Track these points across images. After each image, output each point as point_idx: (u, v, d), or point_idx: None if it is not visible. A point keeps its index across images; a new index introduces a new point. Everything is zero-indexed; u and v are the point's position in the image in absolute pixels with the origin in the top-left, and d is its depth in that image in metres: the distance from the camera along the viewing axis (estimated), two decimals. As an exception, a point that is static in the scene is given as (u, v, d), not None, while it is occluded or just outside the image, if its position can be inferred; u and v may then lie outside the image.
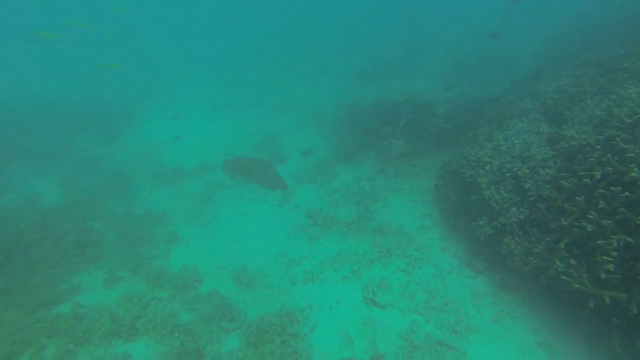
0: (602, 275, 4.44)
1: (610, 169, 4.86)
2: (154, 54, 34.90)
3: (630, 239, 4.42)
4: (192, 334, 5.92)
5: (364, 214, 8.86)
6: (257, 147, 13.91)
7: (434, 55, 20.75)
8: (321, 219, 8.76)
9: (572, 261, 4.81)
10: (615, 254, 4.45)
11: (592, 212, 4.74)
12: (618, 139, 5.10)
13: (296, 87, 20.90)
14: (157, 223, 9.38)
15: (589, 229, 4.65)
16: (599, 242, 4.56)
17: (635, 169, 4.59)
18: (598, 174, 4.93)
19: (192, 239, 8.68)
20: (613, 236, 4.53)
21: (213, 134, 16.03)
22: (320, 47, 27.23)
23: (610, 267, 4.41)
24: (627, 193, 4.54)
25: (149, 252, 8.05)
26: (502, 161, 6.49)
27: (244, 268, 7.44)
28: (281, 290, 6.93)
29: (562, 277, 4.81)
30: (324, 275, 7.12)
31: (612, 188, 4.67)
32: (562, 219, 5.10)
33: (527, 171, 6.18)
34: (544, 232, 5.54)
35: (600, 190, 4.80)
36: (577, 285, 4.64)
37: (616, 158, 4.92)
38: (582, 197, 4.98)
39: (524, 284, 5.97)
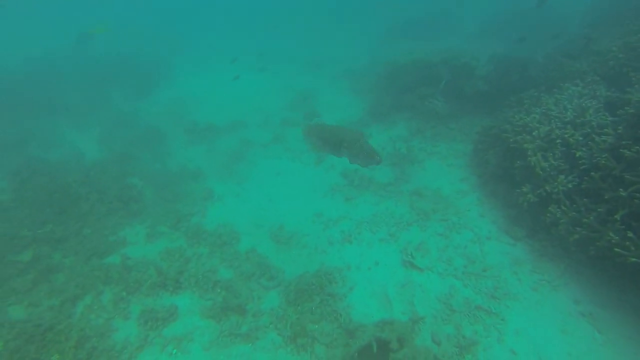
0: (659, 249, 4.36)
1: (680, 138, 4.60)
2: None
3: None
4: (233, 290, 6.25)
5: (401, 175, 8.84)
6: (291, 104, 13.79)
7: (468, 14, 19.48)
8: (357, 179, 8.81)
9: (630, 234, 4.71)
10: (675, 227, 4.33)
11: (654, 184, 4.57)
12: (691, 105, 4.78)
13: (328, 44, 20.33)
14: (193, 180, 9.66)
15: (651, 202, 4.50)
16: (659, 215, 4.43)
17: None
18: (665, 144, 4.68)
19: (227, 196, 8.95)
20: (675, 210, 4.38)
21: (244, 89, 15.93)
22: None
23: (669, 241, 4.31)
24: (696, 165, 4.33)
25: (187, 209, 8.37)
26: (551, 127, 6.22)
27: (281, 227, 7.67)
28: (318, 250, 7.16)
29: (616, 249, 4.74)
30: (361, 236, 7.28)
31: (680, 159, 4.45)
32: (621, 189, 4.93)
33: (580, 138, 5.92)
34: (595, 203, 5.40)
35: (666, 162, 4.58)
36: (634, 259, 4.57)
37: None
38: (644, 167, 4.78)
39: (566, 254, 5.94)
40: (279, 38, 22.76)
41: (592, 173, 5.40)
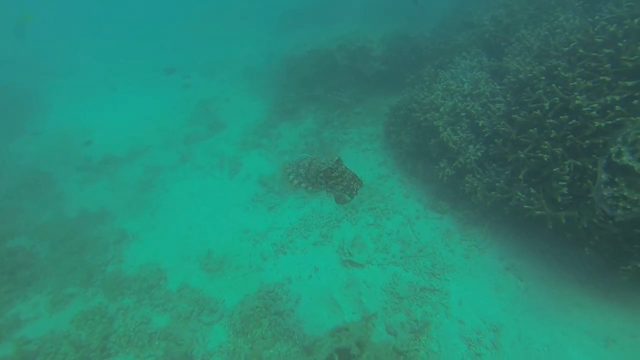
0: (559, 199, 5.10)
1: (557, 98, 5.39)
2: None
3: (578, 162, 5.07)
4: (173, 337, 5.75)
5: (320, 172, 8.93)
6: (192, 117, 13.00)
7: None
8: (276, 185, 8.68)
9: (532, 190, 5.42)
10: (567, 178, 5.09)
11: (545, 142, 5.30)
12: (559, 68, 5.62)
13: (220, 44, 19.52)
14: (98, 222, 8.56)
15: (545, 159, 5.22)
16: (554, 169, 5.16)
17: (579, 96, 5.15)
18: (547, 105, 5.45)
19: (143, 232, 8.15)
20: (565, 162, 5.15)
21: (139, 108, 14.48)
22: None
23: (565, 190, 5.07)
24: (574, 120, 5.13)
25: (98, 258, 7.43)
26: (454, 102, 6.84)
27: (209, 253, 7.24)
28: (254, 269, 6.93)
29: (525, 206, 5.43)
30: (294, 244, 7.22)
31: (561, 117, 5.22)
32: (519, 151, 5.64)
33: (480, 108, 6.63)
34: (501, 166, 6.12)
35: (550, 120, 5.34)
36: (538, 212, 5.28)
37: (560, 87, 5.46)
38: (535, 128, 5.51)
39: (486, 217, 6.65)
40: (167, 46, 21.20)
41: (495, 140, 6.09)
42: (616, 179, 4.17)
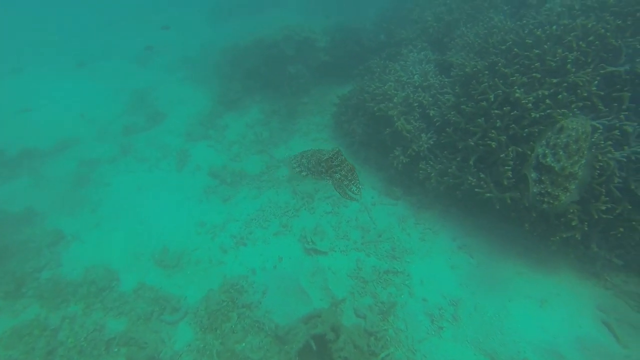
0: (505, 182, 5.85)
1: (500, 91, 6.13)
2: None
3: (519, 149, 5.85)
4: (135, 341, 5.50)
5: (271, 162, 9.02)
6: (128, 107, 12.05)
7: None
8: (228, 176, 8.58)
9: (482, 175, 6.13)
10: (511, 163, 5.86)
11: (492, 130, 6.02)
12: (500, 64, 6.39)
13: (152, 32, 18.11)
14: (25, 224, 7.67)
15: (494, 146, 5.94)
16: (501, 155, 5.90)
17: (517, 90, 5.92)
18: (492, 97, 6.17)
19: (84, 231, 7.52)
20: (509, 149, 5.92)
21: (66, 97, 12.93)
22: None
23: (510, 174, 5.83)
24: (515, 111, 5.89)
25: (28, 265, 6.70)
26: (407, 92, 7.36)
27: (165, 249, 6.98)
28: (214, 263, 6.85)
29: (476, 189, 6.12)
30: (254, 235, 7.26)
31: (504, 108, 5.96)
32: (469, 139, 6.32)
33: (430, 99, 7.23)
34: (452, 153, 6.78)
35: (496, 111, 6.07)
36: (488, 194, 6.00)
37: (501, 81, 6.22)
38: (482, 118, 6.22)
39: (437, 201, 7.32)
40: (91, 30, 19.15)
41: (447, 129, 6.73)
42: (543, 178, 4.93)
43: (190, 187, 8.53)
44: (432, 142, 7.05)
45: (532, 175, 5.00)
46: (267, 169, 8.77)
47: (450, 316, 5.66)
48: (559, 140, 4.80)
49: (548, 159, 4.79)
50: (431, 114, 7.09)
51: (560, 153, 4.71)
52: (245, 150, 9.40)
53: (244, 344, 5.55)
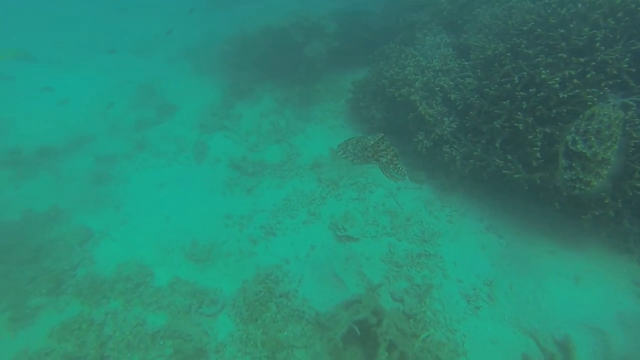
0: (534, 163, 6.00)
1: (525, 73, 6.23)
2: None
3: (547, 129, 5.99)
4: (179, 334, 5.66)
5: (291, 150, 9.11)
6: (137, 101, 11.99)
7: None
8: (250, 167, 8.67)
9: (509, 157, 6.28)
10: (539, 144, 6.00)
11: (519, 113, 6.14)
12: (522, 46, 6.46)
13: (147, 22, 17.90)
14: (53, 223, 7.71)
15: (521, 128, 6.07)
16: (528, 137, 6.03)
17: (543, 71, 6.02)
18: (516, 79, 6.27)
19: (112, 228, 7.62)
20: (536, 130, 6.05)
21: (75, 92, 12.80)
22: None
23: (538, 155, 5.98)
24: (542, 92, 6.00)
25: (64, 263, 6.81)
26: (428, 77, 7.43)
27: (194, 243, 7.12)
28: (245, 254, 7.00)
29: (504, 171, 6.28)
30: (283, 225, 7.39)
31: (530, 90, 6.08)
32: (494, 121, 6.44)
33: (451, 83, 7.32)
34: (476, 136, 6.91)
35: (521, 93, 6.18)
36: (517, 175, 6.16)
37: (525, 63, 6.31)
38: (507, 100, 6.33)
39: (461, 183, 7.48)
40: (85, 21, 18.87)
41: (470, 112, 6.84)
42: (573, 164, 5.07)
43: (212, 179, 8.62)
44: (454, 126, 7.17)
45: (562, 162, 5.16)
46: (288, 157, 8.86)
47: (485, 296, 5.88)
48: (590, 127, 4.92)
49: (579, 145, 4.92)
50: (452, 98, 7.19)
51: (592, 139, 4.84)
52: (263, 140, 9.45)
53: (286, 333, 5.74)
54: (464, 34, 8.10)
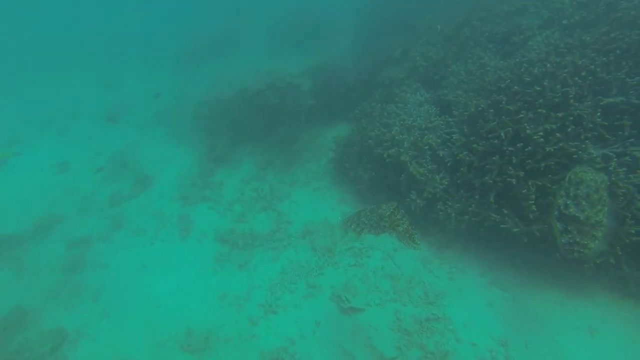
0: (531, 216, 6.29)
1: (510, 128, 6.67)
2: None
3: (539, 182, 6.36)
4: None
5: (279, 218, 9.10)
6: (108, 173, 11.69)
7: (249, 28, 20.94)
8: (239, 239, 8.56)
9: (505, 211, 6.56)
10: (533, 197, 6.33)
11: (509, 167, 6.50)
12: (503, 102, 6.98)
13: (117, 86, 17.94)
14: (16, 329, 7.13)
15: (514, 182, 6.40)
16: (522, 190, 6.37)
17: (527, 126, 6.48)
18: (502, 134, 6.70)
19: (90, 325, 7.14)
20: (528, 183, 6.40)
21: (39, 170, 12.35)
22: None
23: (534, 207, 6.29)
24: (529, 147, 6.42)
25: None
26: (415, 136, 7.80)
27: (189, 331, 6.80)
28: (245, 337, 6.77)
29: (501, 225, 6.52)
30: (283, 301, 7.24)
31: (518, 145, 6.49)
32: (486, 177, 6.77)
33: (438, 140, 7.70)
34: (467, 191, 7.21)
35: (509, 148, 6.58)
36: (515, 229, 6.41)
37: (508, 118, 6.78)
38: (497, 156, 6.71)
39: (456, 239, 7.66)
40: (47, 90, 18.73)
41: (462, 168, 7.17)
42: (569, 228, 5.42)
43: (200, 256, 8.41)
44: (446, 182, 7.46)
45: (557, 225, 5.48)
46: (278, 226, 8.83)
47: (503, 358, 5.89)
48: (579, 192, 5.32)
49: (571, 210, 5.27)
50: (441, 155, 7.54)
51: (583, 203, 5.22)
52: (249, 208, 9.43)
53: None
54: (442, 89, 8.65)
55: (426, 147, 7.66)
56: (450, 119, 7.86)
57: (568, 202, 5.32)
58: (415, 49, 9.97)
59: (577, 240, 5.23)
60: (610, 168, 5.76)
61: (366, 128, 8.90)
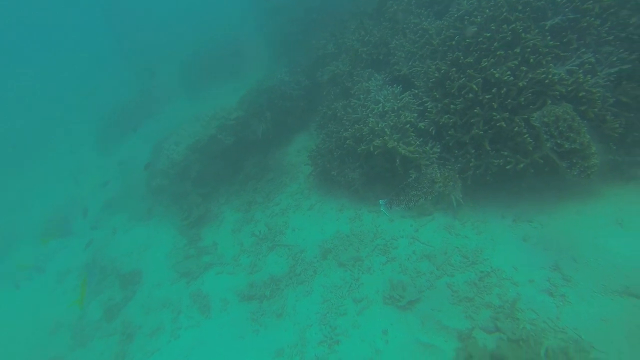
0: (530, 148, 7.16)
1: (479, 79, 7.53)
2: None
3: (525, 115, 7.23)
4: None
5: (291, 251, 9.37)
6: (91, 287, 11.06)
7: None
8: (264, 289, 8.69)
9: (505, 152, 7.40)
10: (525, 130, 7.21)
11: (494, 113, 7.37)
12: (461, 58, 7.83)
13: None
14: None
15: (504, 126, 7.27)
16: (515, 129, 7.24)
17: (495, 71, 7.33)
18: (474, 86, 7.55)
19: None
20: (516, 119, 7.29)
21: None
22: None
23: (529, 139, 7.16)
24: (503, 89, 7.29)
25: None
26: (393, 119, 8.45)
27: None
28: (323, 380, 6.98)
29: (507, 167, 7.33)
30: (339, 328, 7.52)
31: (492, 90, 7.36)
32: (474, 129, 7.59)
33: (415, 114, 8.43)
34: (462, 149, 8.00)
35: (487, 96, 7.43)
36: (521, 165, 7.24)
37: (472, 70, 7.65)
38: (477, 108, 7.55)
39: (466, 197, 8.42)
40: None
41: (450, 131, 7.94)
42: (574, 161, 6.51)
43: (234, 325, 8.42)
44: (438, 150, 8.20)
45: (562, 164, 6.56)
46: (294, 259, 9.07)
47: (562, 281, 6.66)
48: (561, 127, 6.54)
49: (566, 145, 6.37)
50: (423, 127, 8.27)
51: (570, 134, 6.44)
52: (256, 255, 9.56)
53: None
54: (392, 66, 9.43)
55: (407, 126, 8.35)
56: (416, 91, 8.64)
57: (559, 141, 6.36)
58: (348, 37, 10.71)
59: (585, 164, 6.30)
60: (580, 80, 6.81)
61: (338, 131, 9.44)
